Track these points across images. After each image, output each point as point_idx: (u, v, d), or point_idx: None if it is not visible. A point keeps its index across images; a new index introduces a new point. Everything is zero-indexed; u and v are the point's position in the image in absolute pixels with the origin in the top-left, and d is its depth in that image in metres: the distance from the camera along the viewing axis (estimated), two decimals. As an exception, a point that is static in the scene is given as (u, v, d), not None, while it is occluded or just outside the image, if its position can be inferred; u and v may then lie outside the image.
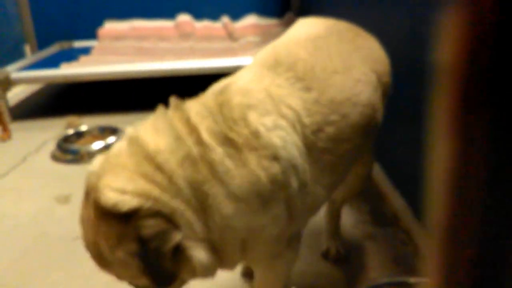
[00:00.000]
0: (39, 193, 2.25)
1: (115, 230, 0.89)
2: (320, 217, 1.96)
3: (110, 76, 3.42)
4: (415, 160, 1.76)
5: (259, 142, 0.95)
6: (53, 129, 3.14)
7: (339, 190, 1.65)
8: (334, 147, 1.08)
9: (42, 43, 4.54)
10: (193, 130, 0.96)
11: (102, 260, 0.93)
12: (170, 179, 0.91)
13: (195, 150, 0.94)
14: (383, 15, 2.05)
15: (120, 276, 0.97)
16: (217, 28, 4.26)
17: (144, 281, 0.94)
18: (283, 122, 1.00)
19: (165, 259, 0.90)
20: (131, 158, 0.93)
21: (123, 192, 0.88)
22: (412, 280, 1.31)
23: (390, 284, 1.32)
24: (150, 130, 0.97)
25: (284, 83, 1.05)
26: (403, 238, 1.76)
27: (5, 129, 3.11)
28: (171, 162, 0.92)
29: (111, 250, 0.90)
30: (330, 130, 1.06)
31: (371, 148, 1.52)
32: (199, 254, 0.93)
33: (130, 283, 1.00)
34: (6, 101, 3.38)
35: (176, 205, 0.91)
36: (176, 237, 0.90)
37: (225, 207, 0.94)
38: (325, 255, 1.67)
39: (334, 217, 1.68)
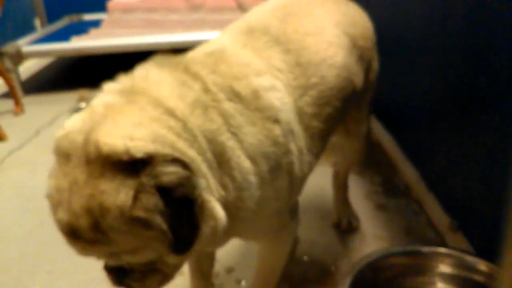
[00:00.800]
0: (53, 166, 2.27)
1: (127, 185, 0.71)
2: (318, 180, 1.97)
3: (120, 49, 3.41)
4: (426, 129, 1.76)
5: (259, 102, 0.91)
6: (65, 102, 3.15)
7: (340, 163, 1.64)
8: (318, 112, 1.05)
9: (51, 17, 4.53)
10: (196, 77, 0.86)
11: (97, 234, 0.73)
12: (185, 125, 0.79)
13: (204, 98, 0.84)
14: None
15: (120, 251, 0.77)
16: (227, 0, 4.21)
17: (154, 250, 0.78)
18: (278, 84, 0.97)
19: (193, 210, 0.76)
20: (131, 105, 0.78)
21: (131, 138, 0.73)
22: (425, 249, 1.31)
23: (403, 253, 1.32)
24: (144, 79, 0.84)
25: (264, 46, 1.02)
26: (415, 209, 1.76)
27: (18, 103, 3.13)
28: (181, 107, 0.80)
29: (121, 213, 0.71)
30: (313, 93, 1.04)
31: (366, 120, 1.50)
32: (220, 209, 0.81)
33: (128, 259, 0.79)
34: (18, 75, 3.39)
35: (193, 155, 0.79)
36: (202, 183, 0.77)
37: (245, 161, 0.86)
38: (337, 226, 1.69)
39: (341, 189, 1.68)
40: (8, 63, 3.31)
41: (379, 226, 1.68)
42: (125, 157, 0.71)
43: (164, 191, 0.72)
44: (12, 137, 2.69)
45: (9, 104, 3.18)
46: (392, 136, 2.15)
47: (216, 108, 0.84)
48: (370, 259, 1.27)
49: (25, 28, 4.32)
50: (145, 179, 0.72)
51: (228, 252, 1.59)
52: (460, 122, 1.48)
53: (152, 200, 0.72)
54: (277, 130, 0.92)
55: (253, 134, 0.88)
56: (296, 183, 1.01)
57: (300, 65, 1.03)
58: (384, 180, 1.98)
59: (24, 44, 3.47)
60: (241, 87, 0.90)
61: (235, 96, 0.88)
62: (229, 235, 0.94)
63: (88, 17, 4.49)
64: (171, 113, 0.78)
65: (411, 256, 1.31)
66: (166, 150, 0.74)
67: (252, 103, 0.90)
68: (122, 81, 0.85)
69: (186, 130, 0.79)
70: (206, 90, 0.85)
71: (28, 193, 2.05)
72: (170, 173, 0.73)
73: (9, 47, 3.33)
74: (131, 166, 0.72)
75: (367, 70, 1.29)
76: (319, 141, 1.09)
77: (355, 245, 1.58)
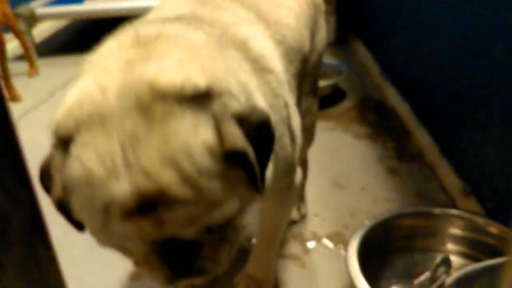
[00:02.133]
0: (67, 126, 2.30)
1: (202, 118, 0.61)
2: (331, 144, 1.98)
3: (134, 12, 3.37)
4: (442, 95, 1.73)
5: (252, 52, 0.85)
6: (79, 65, 3.15)
7: None
8: (287, 69, 1.00)
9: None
10: (197, 28, 0.79)
11: (185, 187, 0.59)
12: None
13: (214, 43, 0.76)
14: None
15: (204, 210, 0.63)
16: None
17: (238, 197, 0.67)
18: (256, 32, 0.92)
19: (271, 137, 0.70)
20: (161, 45, 0.69)
21: (185, 73, 0.64)
22: (436, 210, 1.31)
23: (415, 213, 1.32)
24: (147, 32, 0.73)
25: (221, 3, 0.95)
26: (428, 173, 1.75)
27: (32, 65, 3.15)
28: (208, 46, 0.73)
29: (210, 150, 0.61)
30: (280, 49, 0.98)
31: (313, 99, 1.38)
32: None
33: (211, 219, 0.65)
34: (32, 37, 3.40)
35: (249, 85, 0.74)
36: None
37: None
38: None
39: None
40: (22, 25, 3.30)
41: (391, 189, 1.68)
42: (187, 91, 0.62)
43: (240, 119, 0.65)
44: (26, 98, 2.72)
45: (23, 66, 3.20)
46: (406, 102, 2.12)
47: (226, 49, 0.79)
48: (381, 218, 1.27)
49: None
50: (217, 110, 0.63)
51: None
52: (476, 87, 1.46)
53: (235, 130, 0.63)
54: (274, 81, 0.88)
55: (259, 85, 0.83)
56: (296, 140, 0.97)
57: (262, 20, 0.97)
58: (397, 145, 1.97)
59: (38, 6, 3.46)
60: (230, 37, 0.83)
61: (233, 44, 0.83)
62: None
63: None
64: (203, 51, 0.72)
65: (423, 217, 1.32)
66: (224, 81, 0.67)
67: (246, 53, 0.84)
68: (124, 38, 0.73)
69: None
70: (211, 37, 0.78)
71: (42, 152, 2.07)
72: (239, 101, 0.66)
73: (23, 9, 3.32)
74: (196, 101, 0.62)
75: (312, 37, 1.21)
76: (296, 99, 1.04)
77: (366, 207, 1.59)
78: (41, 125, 2.38)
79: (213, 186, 0.62)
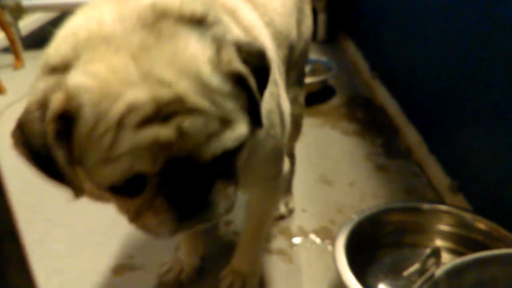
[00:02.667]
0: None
1: (207, 39, 0.63)
2: (319, 140, 1.97)
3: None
4: (431, 93, 1.73)
5: (242, 22, 0.85)
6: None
7: None
8: (276, 52, 0.99)
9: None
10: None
11: (203, 97, 0.60)
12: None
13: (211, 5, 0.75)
14: None
15: (220, 127, 0.62)
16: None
17: (245, 121, 0.66)
18: (245, 6, 0.91)
19: (267, 67, 0.71)
20: None
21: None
22: (425, 206, 1.30)
23: (403, 208, 1.31)
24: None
25: None
26: (416, 170, 1.74)
27: (18, 57, 3.09)
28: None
29: (218, 67, 0.62)
30: (269, 31, 0.97)
31: (300, 88, 1.37)
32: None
33: (229, 136, 0.64)
34: (18, 30, 3.34)
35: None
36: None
37: None
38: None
39: None
40: (8, 17, 3.24)
41: (379, 186, 1.67)
42: (186, 13, 0.63)
43: (239, 47, 0.66)
44: (11, 91, 2.67)
45: (8, 58, 3.15)
46: (395, 100, 2.12)
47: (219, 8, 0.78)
48: (369, 213, 1.26)
49: (26, -17, 4.23)
50: (216, 34, 0.65)
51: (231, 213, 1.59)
52: (464, 84, 1.45)
53: (235, 54, 0.65)
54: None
55: None
56: (285, 123, 0.96)
57: (250, 2, 0.96)
58: (386, 142, 1.96)
59: (24, -3, 3.40)
60: (220, 4, 0.82)
61: (223, 8, 0.82)
62: None
63: (90, -26, 4.39)
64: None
65: (411, 213, 1.31)
66: (220, 16, 0.69)
67: (237, 20, 0.84)
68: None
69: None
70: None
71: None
72: (236, 32, 0.69)
73: (10, 1, 3.26)
74: (195, 24, 0.64)
75: (299, 25, 1.20)
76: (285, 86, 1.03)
77: (354, 203, 1.58)
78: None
79: (225, 101, 0.62)
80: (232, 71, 0.63)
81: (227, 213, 0.72)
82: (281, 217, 1.52)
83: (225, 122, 0.63)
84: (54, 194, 1.67)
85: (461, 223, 1.26)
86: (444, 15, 1.59)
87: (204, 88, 0.60)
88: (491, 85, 1.30)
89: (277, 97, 0.89)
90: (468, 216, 1.26)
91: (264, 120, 0.82)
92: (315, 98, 2.35)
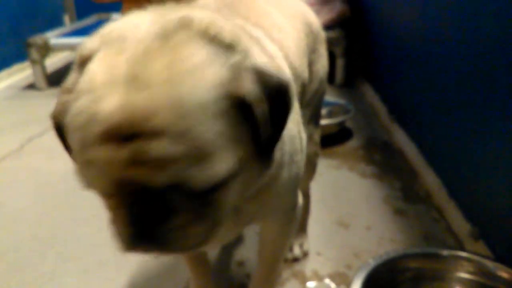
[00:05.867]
0: (71, 154, 2.29)
1: (222, 57, 0.60)
2: (336, 182, 1.94)
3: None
4: (451, 137, 1.71)
5: (266, 50, 0.82)
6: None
7: None
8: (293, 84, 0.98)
9: (81, 14, 4.61)
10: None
11: (176, 118, 0.54)
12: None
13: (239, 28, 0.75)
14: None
15: (193, 155, 0.55)
16: None
17: (234, 157, 0.60)
18: (266, 38, 0.91)
19: (287, 105, 0.65)
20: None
21: (220, 25, 0.64)
22: (444, 252, 1.26)
23: (422, 254, 1.27)
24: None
25: (228, 16, 0.88)
26: (435, 216, 1.70)
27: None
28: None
29: (220, 88, 0.58)
30: (286, 63, 0.96)
31: (315, 127, 1.35)
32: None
33: (196, 171, 0.56)
34: (44, 67, 3.45)
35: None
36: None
37: None
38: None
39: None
40: (35, 54, 3.36)
41: (397, 230, 1.62)
42: (212, 31, 0.61)
43: (260, 75, 0.61)
44: (33, 125, 2.72)
45: (33, 94, 3.24)
46: (414, 143, 2.10)
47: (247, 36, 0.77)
48: (386, 258, 1.22)
49: (54, 23, 4.40)
50: (237, 59, 0.61)
51: (238, 247, 1.56)
52: (484, 128, 1.43)
53: (250, 80, 0.60)
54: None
55: None
56: (304, 151, 0.94)
57: (268, 36, 0.95)
58: (404, 185, 1.92)
59: (51, 36, 3.53)
60: (248, 31, 0.81)
61: (251, 37, 0.80)
62: (253, 214, 0.88)
63: (117, 16, 4.54)
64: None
65: (430, 259, 1.26)
66: (248, 46, 0.66)
67: (263, 48, 0.81)
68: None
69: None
70: (236, 25, 0.76)
71: (44, 178, 2.06)
72: (261, 60, 0.64)
73: (37, 39, 3.38)
74: (217, 44, 0.61)
75: (310, 66, 1.19)
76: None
77: (371, 247, 1.53)
78: (45, 151, 2.39)
79: (208, 127, 0.56)
80: (239, 96, 0.58)
81: (185, 251, 0.67)
82: (295, 260, 1.48)
83: (197, 155, 0.56)
84: (67, 228, 1.68)
85: (482, 271, 1.21)
86: (462, 59, 1.59)
87: (188, 107, 0.55)
88: (509, 129, 1.28)
89: (298, 124, 0.89)
90: (490, 264, 1.21)
91: (289, 144, 0.81)
92: (333, 140, 2.34)
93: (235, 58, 0.61)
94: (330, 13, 3.22)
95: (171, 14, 0.64)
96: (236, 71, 0.60)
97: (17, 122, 2.85)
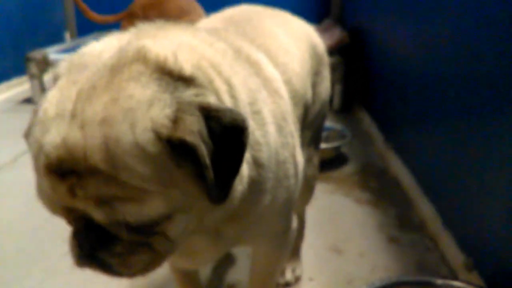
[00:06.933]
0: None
1: (165, 99, 0.58)
2: (331, 207, 1.93)
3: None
4: (446, 166, 1.70)
5: (263, 73, 0.85)
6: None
7: None
8: (293, 109, 0.97)
9: (81, 31, 4.63)
10: (219, 38, 0.79)
11: (108, 160, 0.56)
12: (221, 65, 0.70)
13: (230, 52, 0.77)
14: (418, 26, 1.99)
15: (125, 195, 0.57)
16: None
17: (172, 199, 0.60)
18: (267, 61, 0.91)
19: (241, 146, 0.62)
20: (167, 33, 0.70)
21: (178, 55, 0.64)
22: (438, 281, 1.24)
23: (415, 282, 1.25)
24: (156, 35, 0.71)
25: (233, 37, 0.91)
26: (429, 245, 1.68)
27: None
28: (216, 54, 0.72)
29: (155, 131, 0.57)
30: (287, 89, 0.97)
31: (315, 150, 1.34)
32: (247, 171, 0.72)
33: (130, 211, 0.59)
34: (42, 82, 3.45)
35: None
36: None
37: (271, 125, 0.78)
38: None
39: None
40: (33, 69, 3.36)
41: (391, 258, 1.60)
42: (168, 66, 0.61)
43: (208, 114, 0.59)
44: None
45: (30, 108, 3.22)
46: (410, 171, 2.09)
47: (240, 61, 0.79)
48: (380, 285, 1.20)
49: (55, 39, 4.42)
50: (186, 96, 0.59)
51: (230, 270, 1.53)
52: (480, 159, 1.43)
53: (196, 123, 0.58)
54: (284, 105, 0.87)
55: (270, 102, 0.82)
56: (298, 175, 0.92)
57: (271, 60, 0.96)
58: (399, 213, 1.91)
59: (51, 52, 3.54)
60: (244, 55, 0.83)
61: (246, 59, 0.82)
62: (236, 237, 0.86)
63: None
64: (212, 50, 0.72)
65: (424, 287, 1.24)
66: (213, 79, 0.65)
67: (258, 71, 0.84)
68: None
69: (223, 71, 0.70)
70: (230, 48, 0.79)
71: (25, 190, 2.03)
72: (218, 98, 0.64)
73: (37, 54, 3.40)
74: (171, 80, 0.60)
75: (314, 87, 1.20)
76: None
77: (364, 274, 1.51)
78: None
79: (137, 171, 0.56)
80: (178, 138, 0.57)
81: (129, 277, 0.68)
82: (287, 285, 1.46)
83: (131, 195, 0.57)
84: (55, 243, 1.65)
85: (476, 302, 1.20)
86: (459, 88, 1.60)
87: (120, 151, 0.56)
88: (507, 160, 1.27)
89: (292, 148, 0.88)
90: (484, 296, 1.19)
91: (279, 171, 0.81)
92: (329, 164, 2.33)
93: (187, 93, 0.61)
94: (329, 40, 3.26)
95: (135, 43, 0.65)
96: (181, 110, 0.59)
97: (12, 134, 2.81)
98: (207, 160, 0.58)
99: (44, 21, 4.39)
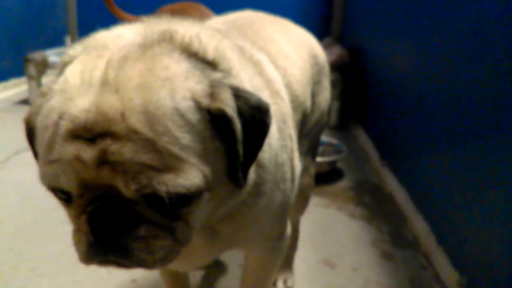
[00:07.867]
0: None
1: (199, 74, 0.60)
2: (325, 221, 1.91)
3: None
4: (441, 184, 1.70)
5: (265, 73, 0.85)
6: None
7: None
8: (292, 114, 0.97)
9: (83, 37, 4.63)
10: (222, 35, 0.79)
11: (149, 125, 0.53)
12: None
13: (236, 49, 0.78)
14: (415, 46, 2.01)
15: (163, 164, 0.54)
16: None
17: (206, 172, 0.58)
18: (270, 63, 0.92)
19: (264, 127, 0.64)
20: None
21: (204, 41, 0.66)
22: (431, 297, 1.22)
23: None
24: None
25: (236, 38, 0.91)
26: (423, 262, 1.67)
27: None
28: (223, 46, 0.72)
29: (194, 100, 0.57)
30: (287, 93, 0.97)
31: (312, 159, 1.34)
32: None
33: (168, 180, 0.55)
34: (40, 84, 3.44)
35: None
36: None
37: (273, 125, 0.78)
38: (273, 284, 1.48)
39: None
40: (32, 70, 3.35)
41: (383, 274, 1.58)
42: (193, 47, 0.62)
43: (237, 94, 0.61)
44: (22, 139, 2.68)
45: (26, 109, 3.19)
46: (404, 188, 2.09)
47: (244, 59, 0.80)
48: (372, 298, 1.18)
49: (56, 43, 4.42)
50: (216, 77, 0.61)
51: (220, 277, 1.51)
52: (475, 177, 1.43)
53: (228, 96, 0.59)
54: (284, 108, 0.86)
55: (271, 103, 0.80)
56: (295, 180, 0.92)
57: (272, 63, 0.96)
58: (393, 229, 1.90)
59: (51, 54, 3.54)
60: (247, 54, 0.84)
61: (249, 59, 0.83)
62: (231, 237, 0.85)
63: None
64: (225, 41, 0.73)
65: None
66: (233, 64, 0.67)
67: (261, 71, 0.84)
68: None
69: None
70: (235, 46, 0.79)
71: (27, 192, 2.00)
72: (242, 82, 0.65)
73: (36, 55, 3.39)
74: (198, 61, 0.62)
75: (313, 97, 1.20)
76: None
77: (355, 288, 1.49)
78: (31, 165, 2.34)
79: (176, 138, 0.54)
80: (216, 109, 0.58)
81: (149, 267, 0.62)
82: None
83: (168, 163, 0.54)
84: (44, 243, 1.62)
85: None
86: (454, 108, 1.60)
87: (160, 114, 0.54)
88: (501, 177, 1.27)
89: (290, 152, 0.87)
90: (478, 314, 1.17)
91: (277, 173, 0.80)
92: (324, 178, 2.32)
93: (215, 75, 0.62)
94: (329, 57, 3.26)
95: (157, 26, 0.66)
96: (216, 86, 0.60)
97: (6, 134, 2.81)
98: (240, 135, 0.59)
99: (45, 24, 4.39)
